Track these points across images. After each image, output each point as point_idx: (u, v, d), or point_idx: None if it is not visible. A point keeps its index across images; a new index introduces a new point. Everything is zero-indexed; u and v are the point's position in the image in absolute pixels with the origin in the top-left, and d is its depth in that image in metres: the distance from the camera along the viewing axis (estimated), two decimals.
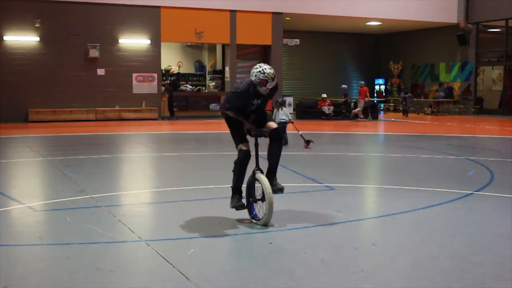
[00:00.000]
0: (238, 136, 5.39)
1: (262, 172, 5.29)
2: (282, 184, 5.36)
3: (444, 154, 11.02)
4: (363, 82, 23.43)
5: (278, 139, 5.38)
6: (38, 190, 7.58)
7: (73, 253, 4.47)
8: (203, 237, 4.89)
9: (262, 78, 5.11)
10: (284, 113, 11.66)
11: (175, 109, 21.98)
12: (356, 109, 21.82)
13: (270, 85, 5.16)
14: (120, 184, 8.15)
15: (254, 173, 5.29)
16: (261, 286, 3.83)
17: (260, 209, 5.32)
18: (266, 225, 5.18)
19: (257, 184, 5.35)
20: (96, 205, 6.23)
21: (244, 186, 5.45)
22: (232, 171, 5.40)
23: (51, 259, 4.41)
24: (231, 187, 5.43)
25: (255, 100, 5.32)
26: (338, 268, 4.11)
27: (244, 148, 5.30)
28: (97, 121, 20.44)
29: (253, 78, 5.17)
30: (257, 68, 5.17)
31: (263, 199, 5.24)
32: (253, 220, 5.35)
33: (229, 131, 5.51)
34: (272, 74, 5.14)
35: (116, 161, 10.52)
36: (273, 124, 5.42)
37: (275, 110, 11.81)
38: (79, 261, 4.25)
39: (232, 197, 5.44)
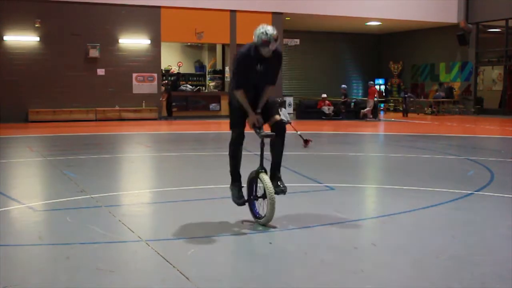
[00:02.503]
0: (235, 122, 5.29)
1: (266, 173, 5.20)
2: (285, 184, 5.32)
3: (444, 154, 11.02)
4: (372, 82, 23.81)
5: (281, 133, 5.26)
6: (38, 190, 7.58)
7: (73, 253, 4.46)
8: (203, 237, 4.88)
9: (265, 39, 4.95)
10: (283, 114, 11.74)
11: (174, 109, 22.00)
12: (366, 109, 21.97)
13: (272, 46, 4.99)
14: (120, 184, 8.15)
15: (257, 172, 5.20)
16: (261, 286, 3.82)
17: (261, 207, 5.28)
18: (266, 224, 5.13)
19: (259, 184, 5.26)
20: (96, 205, 6.23)
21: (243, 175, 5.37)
22: (228, 154, 5.36)
23: (51, 259, 4.41)
24: (229, 171, 5.41)
25: (258, 65, 5.15)
26: (338, 268, 4.10)
27: (237, 130, 5.26)
28: (97, 121, 20.45)
29: (255, 39, 5.01)
30: (259, 29, 5.00)
31: (264, 196, 5.18)
32: (255, 219, 5.29)
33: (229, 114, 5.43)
34: (275, 35, 4.98)
35: (116, 161, 10.52)
36: (277, 117, 5.30)
37: None
38: (79, 261, 4.25)
39: (232, 184, 5.41)
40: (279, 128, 5.25)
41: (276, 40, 4.98)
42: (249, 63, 5.14)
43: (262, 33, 4.94)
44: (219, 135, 16.95)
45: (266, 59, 5.14)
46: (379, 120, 21.99)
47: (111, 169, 9.37)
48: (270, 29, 4.96)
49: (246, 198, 5.35)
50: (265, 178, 5.12)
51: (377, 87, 30.91)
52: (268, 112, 5.30)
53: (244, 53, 5.15)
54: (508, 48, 24.74)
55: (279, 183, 5.25)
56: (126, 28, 21.18)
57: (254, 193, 5.32)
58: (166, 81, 21.45)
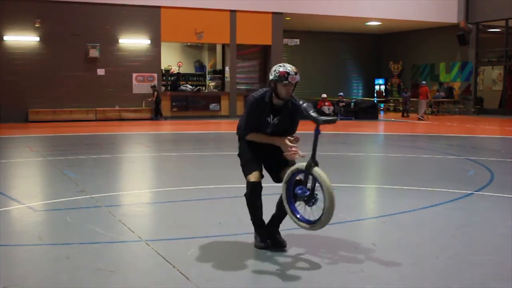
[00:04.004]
0: (248, 165, 4.48)
1: (317, 165, 4.31)
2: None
3: (444, 154, 11.02)
4: (424, 82, 23.94)
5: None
6: (38, 190, 7.58)
7: (73, 253, 4.46)
8: (203, 237, 4.89)
9: (283, 70, 4.34)
10: None
11: (174, 109, 22.03)
12: (421, 112, 22.35)
13: (293, 79, 4.33)
14: (120, 184, 8.15)
15: (308, 166, 4.29)
16: (261, 286, 3.82)
17: (305, 211, 4.40)
18: (322, 227, 4.29)
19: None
20: (96, 205, 6.23)
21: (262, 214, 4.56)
22: (246, 204, 4.57)
23: (51, 259, 4.41)
24: (251, 219, 4.59)
25: (271, 117, 4.45)
26: (338, 268, 4.10)
27: (252, 179, 4.39)
28: (97, 121, 20.45)
29: (271, 77, 4.37)
30: (275, 66, 4.45)
31: (313, 197, 4.31)
32: (301, 224, 4.38)
33: (239, 158, 4.63)
34: (294, 68, 4.39)
35: (116, 161, 10.52)
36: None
37: None
38: (79, 261, 4.25)
39: (256, 232, 4.60)
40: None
41: (296, 73, 4.37)
42: (261, 112, 4.44)
43: (279, 65, 4.42)
44: (219, 135, 16.96)
45: (281, 111, 4.47)
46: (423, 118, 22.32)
47: (111, 169, 9.37)
48: (288, 65, 4.43)
49: (286, 201, 4.41)
50: (319, 171, 4.26)
51: (376, 87, 30.96)
52: (282, 162, 4.50)
53: (257, 98, 4.45)
54: (508, 48, 24.74)
55: (277, 236, 4.58)
56: (126, 28, 21.18)
57: (298, 192, 4.36)
58: (154, 84, 21.38)
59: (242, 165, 4.55)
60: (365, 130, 17.72)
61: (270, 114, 4.46)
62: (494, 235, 5.09)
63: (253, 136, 4.51)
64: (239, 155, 4.63)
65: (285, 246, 4.54)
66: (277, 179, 4.58)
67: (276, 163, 4.53)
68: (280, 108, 4.48)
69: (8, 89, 19.71)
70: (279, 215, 4.57)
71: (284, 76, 4.32)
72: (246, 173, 4.47)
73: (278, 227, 4.62)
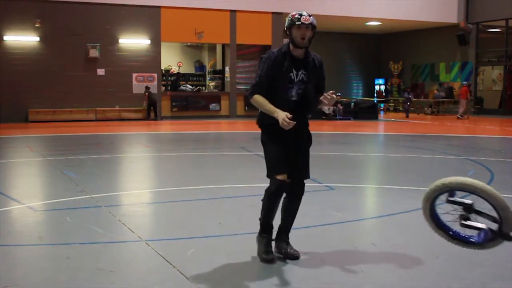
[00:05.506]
0: (273, 165, 4.16)
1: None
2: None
3: (444, 154, 11.01)
4: (465, 82, 24.50)
5: (299, 194, 4.29)
6: (38, 190, 7.58)
7: (73, 253, 4.46)
8: (203, 237, 4.89)
9: (295, 13, 4.04)
10: None
11: (174, 109, 22.03)
12: (461, 110, 22.95)
13: (305, 20, 3.98)
14: (120, 184, 8.15)
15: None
16: (261, 286, 3.82)
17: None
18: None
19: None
20: (96, 205, 6.23)
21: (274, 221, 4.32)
22: (262, 200, 4.26)
23: (51, 259, 4.41)
24: (259, 218, 4.33)
25: (294, 72, 4.08)
26: (338, 268, 4.10)
27: (280, 178, 4.11)
28: (97, 121, 20.45)
29: (286, 24, 4.09)
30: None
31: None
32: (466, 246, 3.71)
33: (263, 152, 4.26)
34: (308, 13, 4.06)
35: (116, 161, 10.52)
36: (301, 174, 4.26)
37: None
38: (79, 261, 4.25)
39: (260, 235, 4.30)
40: (299, 189, 4.28)
41: (310, 15, 4.04)
42: (279, 67, 4.07)
43: (292, 12, 4.10)
44: (219, 135, 16.97)
45: (305, 65, 4.13)
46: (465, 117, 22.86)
47: (111, 169, 9.37)
48: (302, 11, 4.10)
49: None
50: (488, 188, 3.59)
51: (376, 87, 30.97)
52: (296, 164, 4.23)
53: (273, 51, 4.13)
54: (508, 48, 24.73)
55: (288, 249, 4.29)
56: (126, 28, 21.18)
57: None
58: (148, 87, 21.36)
59: (267, 160, 4.20)
60: (364, 130, 17.72)
61: (292, 68, 4.07)
62: None
63: (258, 101, 4.06)
64: (263, 143, 4.27)
65: (298, 258, 4.24)
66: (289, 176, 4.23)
67: (295, 162, 4.22)
68: (303, 61, 4.12)
69: (8, 89, 19.70)
70: (285, 223, 4.37)
71: (296, 17, 4.01)
72: (274, 171, 4.13)
73: (288, 237, 4.37)
